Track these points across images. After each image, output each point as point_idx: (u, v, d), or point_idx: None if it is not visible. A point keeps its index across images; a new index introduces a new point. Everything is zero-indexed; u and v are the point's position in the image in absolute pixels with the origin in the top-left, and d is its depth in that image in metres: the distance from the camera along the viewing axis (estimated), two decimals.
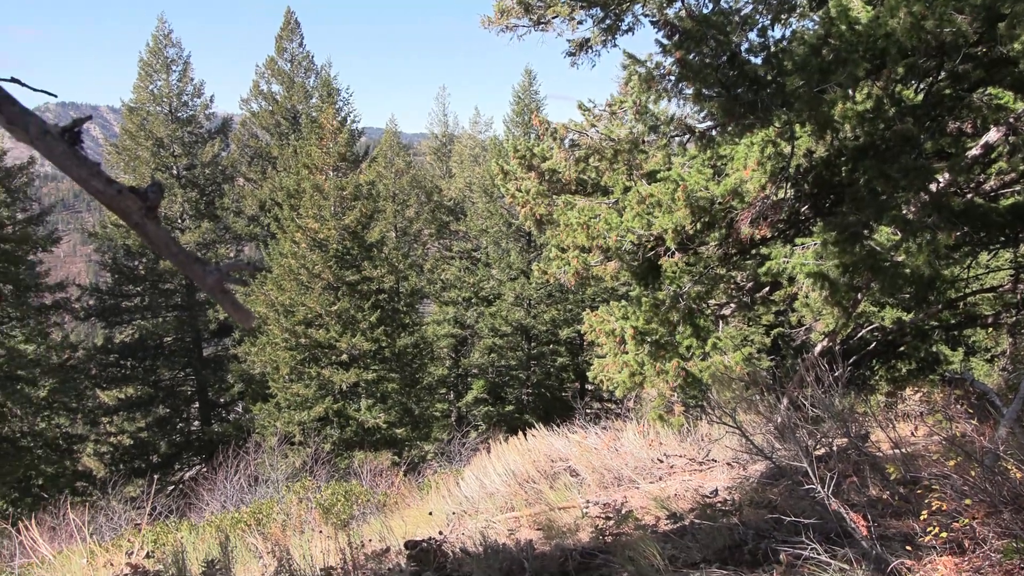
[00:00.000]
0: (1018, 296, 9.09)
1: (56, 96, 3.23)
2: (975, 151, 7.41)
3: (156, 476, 24.34)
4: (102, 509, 12.73)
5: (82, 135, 1.71)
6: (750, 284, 8.91)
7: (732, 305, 9.21)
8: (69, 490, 20.68)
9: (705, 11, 8.46)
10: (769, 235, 7.95)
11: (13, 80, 2.88)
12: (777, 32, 10.70)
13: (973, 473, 3.83)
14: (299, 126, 31.98)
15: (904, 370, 9.49)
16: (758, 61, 8.07)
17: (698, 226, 7.89)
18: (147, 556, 6.30)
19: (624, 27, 8.84)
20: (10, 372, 21.57)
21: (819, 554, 3.88)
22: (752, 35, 8.76)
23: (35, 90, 3.15)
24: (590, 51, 9.01)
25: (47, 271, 24.94)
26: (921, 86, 6.87)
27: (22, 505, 19.53)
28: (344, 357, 22.32)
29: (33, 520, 9.04)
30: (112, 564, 6.19)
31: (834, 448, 5.53)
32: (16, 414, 22.14)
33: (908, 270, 6.76)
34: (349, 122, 31.50)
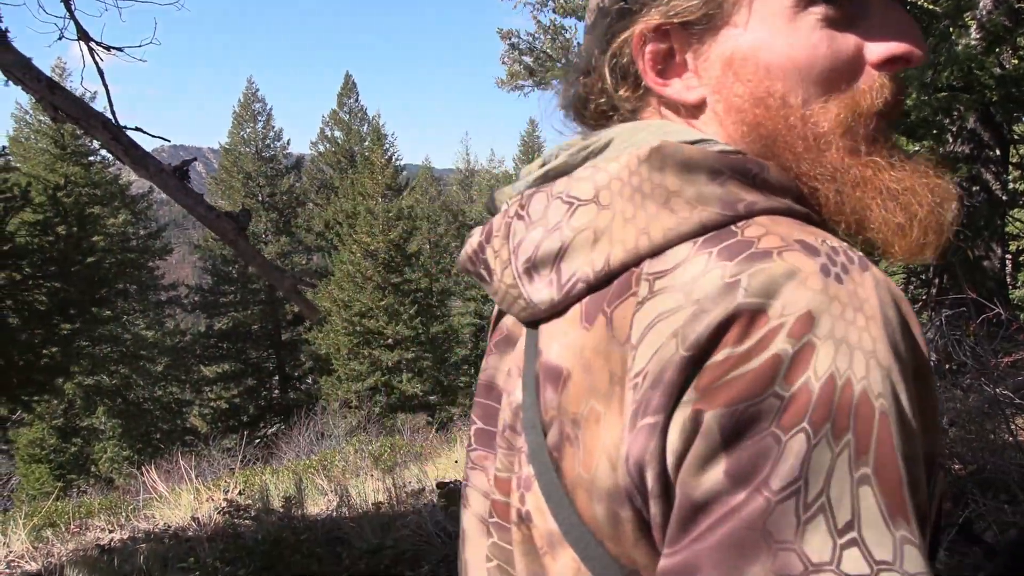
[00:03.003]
0: None
1: (169, 140, 3.27)
2: None
3: (246, 432, 24.36)
4: (205, 457, 12.80)
5: (189, 172, 1.73)
6: None
7: None
8: (180, 443, 20.77)
9: None
10: None
11: (137, 129, 2.91)
12: None
13: None
14: (355, 163, 31.99)
15: None
16: None
17: None
18: (239, 493, 6.34)
19: None
20: (135, 352, 21.72)
21: None
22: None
23: (153, 136, 3.18)
24: None
25: (162, 275, 25.11)
26: None
27: (144, 454, 19.63)
28: (390, 341, 22.37)
29: (153, 466, 9.10)
30: (212, 499, 6.23)
31: None
32: (140, 384, 22.29)
33: None
34: (393, 160, 31.46)
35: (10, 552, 5.32)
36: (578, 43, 8.61)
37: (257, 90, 30.01)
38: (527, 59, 8.76)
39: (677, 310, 0.43)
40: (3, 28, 1.94)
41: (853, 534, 0.37)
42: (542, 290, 0.51)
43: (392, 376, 22.42)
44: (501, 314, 0.65)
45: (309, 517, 5.29)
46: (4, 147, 18.70)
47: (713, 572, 0.38)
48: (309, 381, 28.71)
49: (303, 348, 27.69)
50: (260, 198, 29.82)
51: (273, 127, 30.58)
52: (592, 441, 0.46)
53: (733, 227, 0.46)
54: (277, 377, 28.94)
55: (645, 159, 0.48)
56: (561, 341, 0.50)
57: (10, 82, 1.99)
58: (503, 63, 8.89)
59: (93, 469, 20.36)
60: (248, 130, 29.82)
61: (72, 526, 6.39)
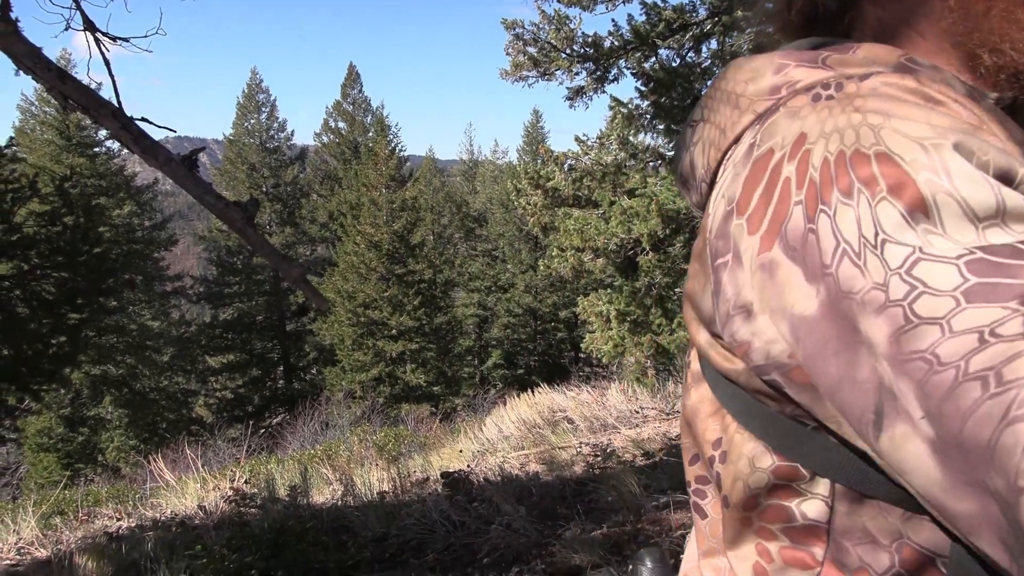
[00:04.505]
0: None
1: (175, 131, 3.27)
2: None
3: (251, 422, 24.49)
4: (211, 447, 12.86)
5: (197, 162, 1.73)
6: None
7: None
8: (186, 432, 20.86)
9: (674, 65, 8.41)
10: None
11: (143, 119, 2.92)
12: None
13: None
14: (359, 154, 31.96)
15: None
16: None
17: (667, 231, 7.86)
18: (245, 482, 6.38)
19: (611, 77, 8.81)
20: (141, 342, 21.82)
21: None
22: (711, 83, 8.69)
23: (159, 127, 3.18)
24: (584, 96, 8.98)
25: (168, 266, 25.16)
26: None
27: (151, 443, 19.74)
28: (394, 331, 22.41)
29: (159, 455, 9.15)
30: (219, 488, 6.27)
31: None
32: (146, 374, 22.39)
33: None
34: (397, 151, 31.42)
35: (20, 539, 5.37)
36: (582, 33, 8.58)
37: (261, 81, 29.98)
38: (531, 49, 8.71)
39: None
40: (14, 18, 1.94)
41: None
42: (693, 200, 0.62)
43: (396, 367, 22.48)
44: None
45: (314, 506, 5.32)
46: (12, 138, 18.75)
47: (825, 335, 0.40)
48: (313, 371, 28.79)
49: (307, 339, 27.77)
50: (264, 189, 29.81)
51: (277, 118, 30.54)
52: (694, 285, 0.55)
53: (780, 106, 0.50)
54: (282, 367, 29.03)
55: (728, 69, 0.57)
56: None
57: (21, 72, 2.00)
58: (507, 54, 8.85)
59: (100, 458, 20.50)
60: (252, 121, 29.78)
61: (80, 514, 6.43)
